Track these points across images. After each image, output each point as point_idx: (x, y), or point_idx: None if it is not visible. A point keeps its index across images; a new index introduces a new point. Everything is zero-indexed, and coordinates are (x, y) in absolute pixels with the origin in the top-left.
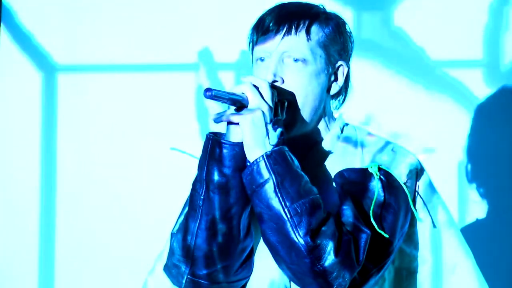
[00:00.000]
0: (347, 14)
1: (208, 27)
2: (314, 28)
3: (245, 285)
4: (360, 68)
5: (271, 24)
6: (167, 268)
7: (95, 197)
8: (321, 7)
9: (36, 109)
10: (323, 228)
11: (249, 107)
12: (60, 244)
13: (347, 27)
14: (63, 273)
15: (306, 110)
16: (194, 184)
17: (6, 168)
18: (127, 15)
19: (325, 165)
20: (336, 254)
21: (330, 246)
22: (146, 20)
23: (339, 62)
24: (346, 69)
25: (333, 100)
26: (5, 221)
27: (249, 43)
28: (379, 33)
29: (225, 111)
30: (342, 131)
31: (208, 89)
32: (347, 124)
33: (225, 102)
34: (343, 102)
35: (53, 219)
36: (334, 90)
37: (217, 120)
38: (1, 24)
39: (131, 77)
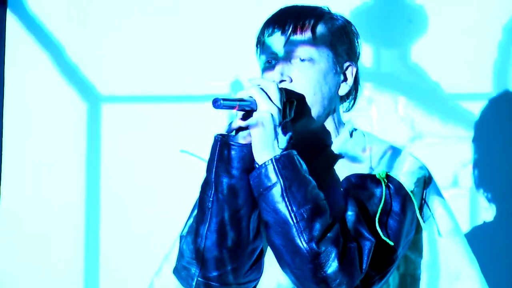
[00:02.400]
0: (367, 50)
1: (240, 60)
2: (320, 27)
3: (254, 287)
4: (380, 99)
5: (276, 26)
6: (177, 271)
7: (136, 220)
8: (326, 8)
9: (82, 137)
10: (328, 235)
11: (257, 110)
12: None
13: (353, 28)
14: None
15: (315, 108)
16: (203, 186)
17: (54, 191)
18: (165, 50)
19: (333, 169)
20: (340, 261)
21: (334, 253)
22: (183, 54)
23: (347, 62)
24: (355, 69)
25: (343, 103)
26: (51, 251)
27: (257, 48)
28: (397, 68)
29: (233, 121)
30: (351, 135)
31: (215, 100)
32: (355, 129)
33: (234, 109)
34: (353, 104)
35: (97, 242)
36: (343, 91)
37: (229, 131)
38: (51, 58)
39: (168, 107)
